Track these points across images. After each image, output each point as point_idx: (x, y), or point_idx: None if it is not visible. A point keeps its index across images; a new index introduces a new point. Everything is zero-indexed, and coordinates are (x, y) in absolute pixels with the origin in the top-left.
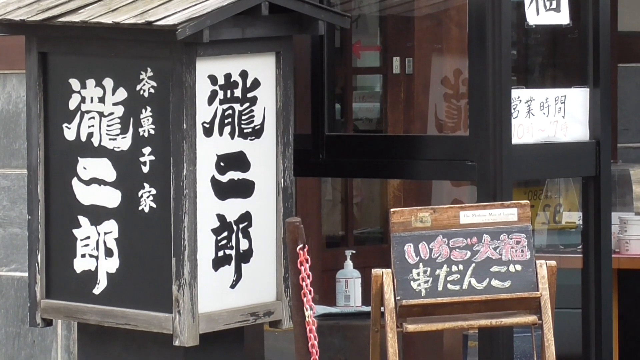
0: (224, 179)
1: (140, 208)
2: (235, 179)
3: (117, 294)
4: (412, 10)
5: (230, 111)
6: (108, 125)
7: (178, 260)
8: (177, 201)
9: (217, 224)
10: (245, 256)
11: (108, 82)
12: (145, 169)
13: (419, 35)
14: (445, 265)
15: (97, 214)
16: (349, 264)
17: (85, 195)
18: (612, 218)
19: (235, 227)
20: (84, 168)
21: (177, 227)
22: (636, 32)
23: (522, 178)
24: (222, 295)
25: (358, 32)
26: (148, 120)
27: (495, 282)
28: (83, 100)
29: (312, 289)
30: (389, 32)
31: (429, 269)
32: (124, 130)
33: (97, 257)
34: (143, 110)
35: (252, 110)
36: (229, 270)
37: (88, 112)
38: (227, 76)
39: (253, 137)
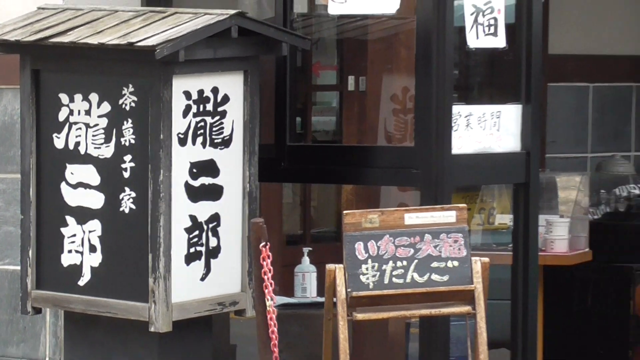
0: (196, 183)
1: (121, 209)
2: (206, 183)
3: (100, 286)
4: (366, 34)
5: (202, 123)
6: (93, 135)
7: (154, 255)
8: (154, 203)
9: (189, 223)
10: (214, 252)
11: (94, 97)
12: (126, 175)
13: (371, 57)
14: (391, 261)
15: (83, 214)
16: (306, 259)
17: (72, 197)
18: (540, 220)
19: (205, 227)
20: (72, 173)
21: (153, 226)
22: (564, 54)
23: (460, 184)
24: (193, 287)
25: (317, 53)
26: (129, 131)
27: (434, 277)
28: (71, 112)
29: (272, 282)
30: (345, 53)
31: (376, 264)
32: (107, 140)
33: (82, 253)
34: (125, 122)
35: (222, 123)
36: (199, 265)
37: (75, 123)
38: (200, 92)
39: (222, 147)
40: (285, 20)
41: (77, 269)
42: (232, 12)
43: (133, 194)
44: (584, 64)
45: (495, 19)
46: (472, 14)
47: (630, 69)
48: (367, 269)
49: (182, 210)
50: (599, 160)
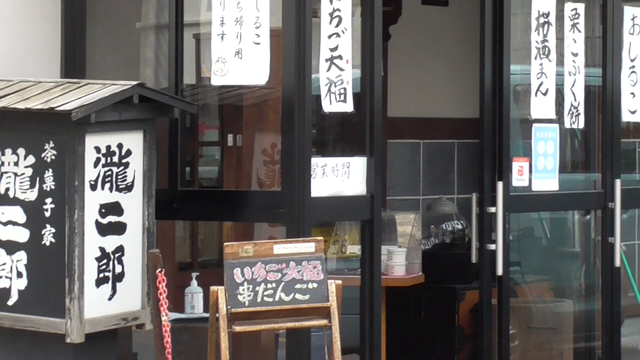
0: (105, 221)
1: (43, 242)
2: (113, 221)
3: (25, 305)
4: (241, 100)
5: (109, 172)
6: (20, 182)
7: (70, 280)
8: (70, 237)
9: (99, 253)
10: (119, 277)
11: (21, 151)
12: (47, 214)
13: (246, 119)
14: (262, 284)
15: (12, 247)
16: (194, 282)
17: (3, 232)
18: (382, 249)
19: (112, 256)
20: (2, 213)
21: (69, 256)
22: (400, 117)
23: (318, 221)
24: (102, 305)
25: (203, 115)
26: (50, 178)
27: (298, 296)
28: (2, 164)
29: (167, 301)
30: (225, 116)
31: (251, 286)
32: (32, 186)
33: (10, 278)
34: (46, 171)
35: (125, 172)
36: (107, 287)
37: (6, 172)
38: (108, 147)
39: (126, 191)
40: (177, 89)
41: (6, 292)
42: (134, 83)
43: (53, 230)
44: (416, 124)
45: (345, 89)
46: (326, 85)
47: (452, 129)
48: (243, 290)
49: (93, 242)
50: (429, 201)
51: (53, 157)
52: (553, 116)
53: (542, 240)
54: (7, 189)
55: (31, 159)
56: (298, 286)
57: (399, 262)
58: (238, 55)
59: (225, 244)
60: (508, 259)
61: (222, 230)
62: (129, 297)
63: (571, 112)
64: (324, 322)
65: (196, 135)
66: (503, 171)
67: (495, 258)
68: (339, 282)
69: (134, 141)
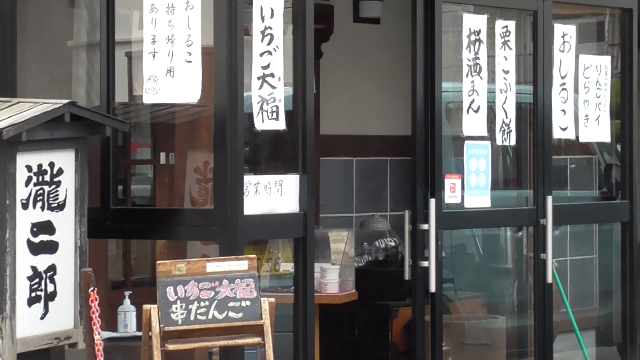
0: (37, 240)
1: None
2: (45, 240)
3: None
4: (174, 119)
5: (41, 191)
6: None
7: (2, 299)
8: (1, 256)
9: (31, 272)
10: (51, 296)
11: None
12: None
13: (178, 137)
14: (195, 302)
15: None
16: (127, 301)
17: None
18: (315, 267)
19: (44, 275)
20: None
21: (1, 275)
22: (333, 135)
23: (251, 239)
24: (34, 325)
25: (135, 134)
26: None
27: (231, 314)
28: None
29: (99, 320)
30: (157, 134)
31: (184, 304)
32: None
33: None
34: None
35: (57, 191)
36: (39, 307)
37: None
38: (39, 166)
39: (58, 210)
40: (109, 107)
41: None
42: (65, 101)
43: None
44: (348, 142)
45: (277, 107)
46: (258, 103)
47: (385, 146)
48: (176, 308)
49: (25, 262)
50: (362, 218)
51: None
52: (485, 133)
53: (475, 257)
54: None
55: None
56: (231, 304)
57: (332, 280)
58: (170, 73)
59: (158, 262)
60: (441, 275)
61: (155, 248)
62: (61, 316)
63: (503, 129)
64: (257, 339)
65: (128, 153)
66: (435, 188)
67: (428, 275)
68: (272, 299)
69: (65, 160)
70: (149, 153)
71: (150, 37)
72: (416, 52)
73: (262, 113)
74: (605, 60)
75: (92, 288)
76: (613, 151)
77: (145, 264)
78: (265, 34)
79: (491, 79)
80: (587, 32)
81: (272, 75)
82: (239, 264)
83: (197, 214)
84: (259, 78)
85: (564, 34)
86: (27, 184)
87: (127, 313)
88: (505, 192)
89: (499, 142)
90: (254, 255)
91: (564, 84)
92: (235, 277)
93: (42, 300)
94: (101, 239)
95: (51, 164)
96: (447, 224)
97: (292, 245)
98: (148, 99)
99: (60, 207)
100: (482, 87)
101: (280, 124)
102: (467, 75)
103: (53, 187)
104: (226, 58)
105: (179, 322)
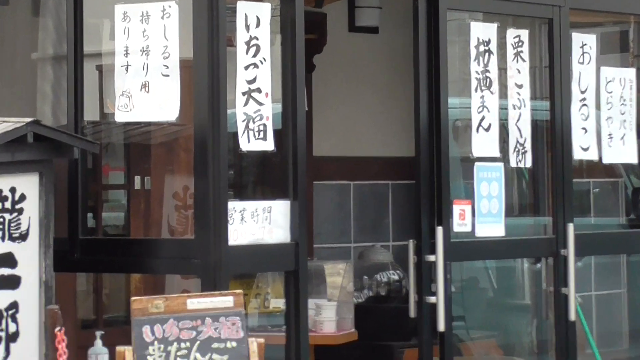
0: None
1: None
2: (5, 274)
3: None
4: (149, 139)
5: (1, 220)
6: None
7: None
8: None
9: None
10: (13, 337)
11: None
12: None
13: (154, 159)
14: (175, 343)
15: None
16: (98, 342)
17: None
18: (309, 303)
19: (5, 314)
20: None
21: None
22: (327, 156)
23: (237, 272)
24: None
25: (107, 156)
26: None
27: (215, 356)
28: None
29: None
30: (132, 156)
31: (162, 346)
32: None
33: None
34: None
35: (19, 219)
36: None
37: None
38: None
39: (20, 241)
40: (77, 126)
41: None
42: (28, 120)
43: None
44: (345, 164)
45: (265, 125)
46: (243, 121)
47: (386, 169)
48: (153, 350)
49: None
50: (361, 249)
51: None
52: (497, 154)
53: (488, 292)
54: None
55: None
56: (215, 345)
57: (328, 318)
58: (145, 88)
59: (132, 298)
60: (450, 312)
61: (130, 283)
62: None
63: (517, 149)
64: None
65: (99, 177)
66: (443, 215)
67: (436, 312)
68: (262, 340)
69: (28, 185)
70: (122, 177)
71: (122, 49)
72: (419, 64)
73: (248, 132)
74: (630, 73)
75: (59, 328)
76: None
77: (118, 300)
78: (250, 44)
79: (503, 94)
80: (610, 42)
81: (258, 90)
82: (224, 301)
83: (176, 245)
84: (244, 94)
85: (583, 44)
86: None
87: (99, 356)
88: (521, 219)
89: (513, 163)
90: (240, 291)
91: (584, 99)
92: (220, 315)
93: (3, 342)
94: (69, 273)
95: (12, 190)
96: (456, 255)
97: (282, 279)
98: (121, 117)
99: (23, 237)
100: (493, 103)
101: (268, 145)
102: (476, 90)
103: (15, 215)
104: (207, 72)
105: None
